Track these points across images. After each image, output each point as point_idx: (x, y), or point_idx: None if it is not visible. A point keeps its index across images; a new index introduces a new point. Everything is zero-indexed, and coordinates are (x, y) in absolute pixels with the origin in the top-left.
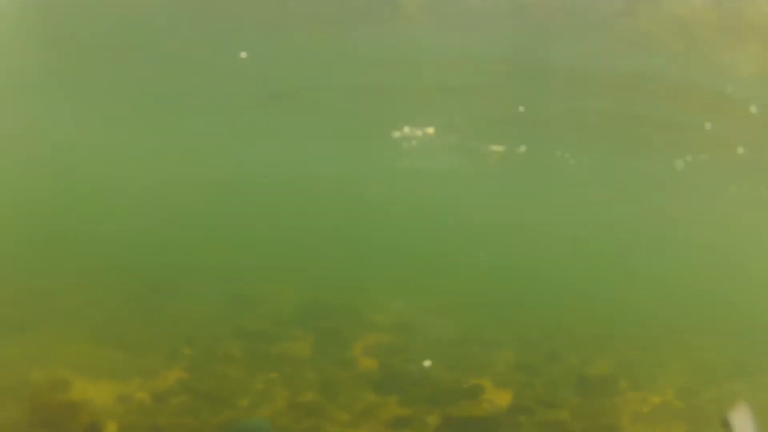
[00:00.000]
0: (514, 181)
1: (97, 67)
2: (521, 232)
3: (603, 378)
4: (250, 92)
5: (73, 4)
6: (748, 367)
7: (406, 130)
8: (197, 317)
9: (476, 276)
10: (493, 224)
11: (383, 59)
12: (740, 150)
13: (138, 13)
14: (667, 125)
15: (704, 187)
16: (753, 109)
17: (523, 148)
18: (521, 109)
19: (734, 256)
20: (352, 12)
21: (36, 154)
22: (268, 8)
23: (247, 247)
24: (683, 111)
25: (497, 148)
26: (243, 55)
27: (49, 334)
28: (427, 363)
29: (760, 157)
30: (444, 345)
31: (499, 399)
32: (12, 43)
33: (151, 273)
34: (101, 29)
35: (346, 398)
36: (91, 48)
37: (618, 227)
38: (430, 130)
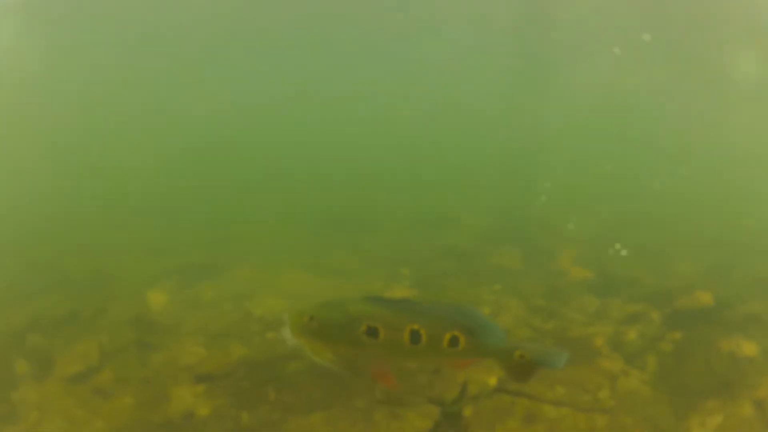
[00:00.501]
0: None
1: None
2: None
3: None
4: None
5: None
6: None
7: None
8: (406, 238)
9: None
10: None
11: None
12: None
13: None
14: None
15: None
16: None
17: None
18: None
19: None
20: None
21: None
22: None
23: (444, 167)
24: None
25: None
26: None
27: (263, 269)
28: (634, 270)
29: None
30: (646, 253)
31: (704, 297)
32: None
33: (349, 197)
34: None
35: (575, 302)
36: None
37: None
38: None
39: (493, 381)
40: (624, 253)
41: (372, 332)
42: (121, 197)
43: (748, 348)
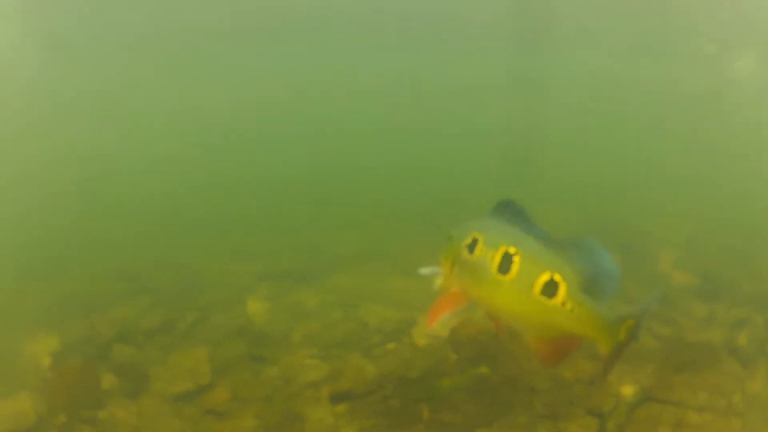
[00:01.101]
0: None
1: None
2: None
3: None
4: None
5: None
6: None
7: None
8: None
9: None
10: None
11: None
12: None
13: None
14: None
15: None
16: None
17: None
18: None
19: None
20: None
21: None
22: None
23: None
24: None
25: None
26: None
27: (362, 276)
28: (731, 273)
29: None
30: (737, 255)
31: None
32: None
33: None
34: None
35: (682, 305)
36: None
37: None
38: None
39: (628, 390)
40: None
41: (471, 246)
42: (202, 199)
43: None
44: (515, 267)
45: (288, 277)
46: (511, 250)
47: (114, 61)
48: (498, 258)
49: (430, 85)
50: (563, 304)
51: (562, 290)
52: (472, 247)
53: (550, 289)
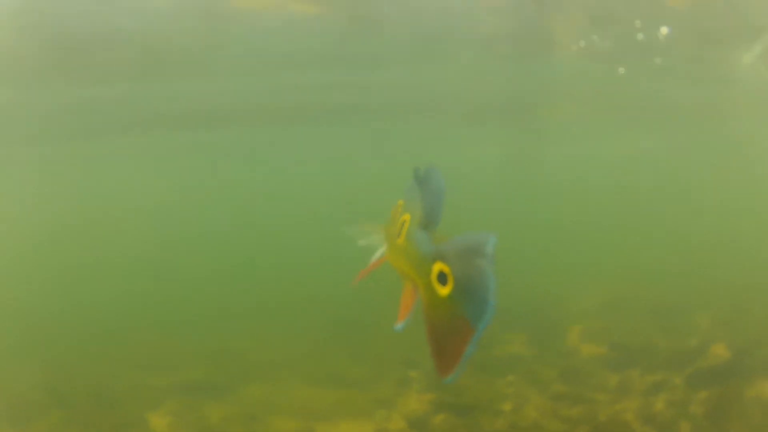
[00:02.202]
0: None
1: None
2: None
3: None
4: None
5: None
6: None
7: None
8: (409, 337)
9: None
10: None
11: None
12: None
13: None
14: None
15: None
16: None
17: None
18: None
19: None
20: None
21: None
22: None
23: None
24: None
25: None
26: None
27: (271, 385)
28: (646, 333)
29: None
30: (655, 312)
31: (720, 351)
32: None
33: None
34: None
35: (593, 380)
36: None
37: None
38: None
39: None
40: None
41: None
42: (117, 305)
43: None
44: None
45: (196, 389)
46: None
47: None
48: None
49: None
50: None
51: (404, 229)
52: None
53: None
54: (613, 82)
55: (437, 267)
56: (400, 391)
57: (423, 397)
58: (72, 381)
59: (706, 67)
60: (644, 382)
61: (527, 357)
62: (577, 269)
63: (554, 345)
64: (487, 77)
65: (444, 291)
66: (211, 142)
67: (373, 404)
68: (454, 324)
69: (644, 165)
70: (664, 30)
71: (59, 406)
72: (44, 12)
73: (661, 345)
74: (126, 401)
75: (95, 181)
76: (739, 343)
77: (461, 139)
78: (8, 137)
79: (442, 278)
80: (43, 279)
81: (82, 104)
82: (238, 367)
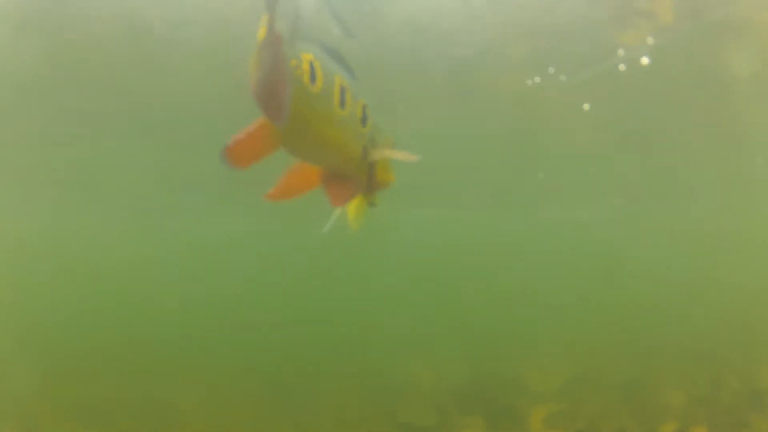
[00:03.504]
0: None
1: None
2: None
3: None
4: None
5: None
6: None
7: None
8: (353, 413)
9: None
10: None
11: None
12: None
13: None
14: None
15: None
16: None
17: None
18: None
19: None
20: None
21: None
22: None
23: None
24: None
25: None
26: None
27: None
28: (618, 417)
29: None
30: (624, 393)
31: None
32: None
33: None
34: None
35: None
36: None
37: None
38: None
39: None
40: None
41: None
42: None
43: None
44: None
45: None
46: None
47: None
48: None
49: None
50: None
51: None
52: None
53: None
54: None
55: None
56: None
57: None
58: None
59: None
60: None
61: None
62: (537, 345)
63: (513, 429)
64: None
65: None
66: None
67: None
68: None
69: (603, 232)
70: None
71: None
72: None
73: (634, 430)
74: None
75: None
76: (721, 425)
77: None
78: None
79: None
80: None
81: None
82: (173, 427)
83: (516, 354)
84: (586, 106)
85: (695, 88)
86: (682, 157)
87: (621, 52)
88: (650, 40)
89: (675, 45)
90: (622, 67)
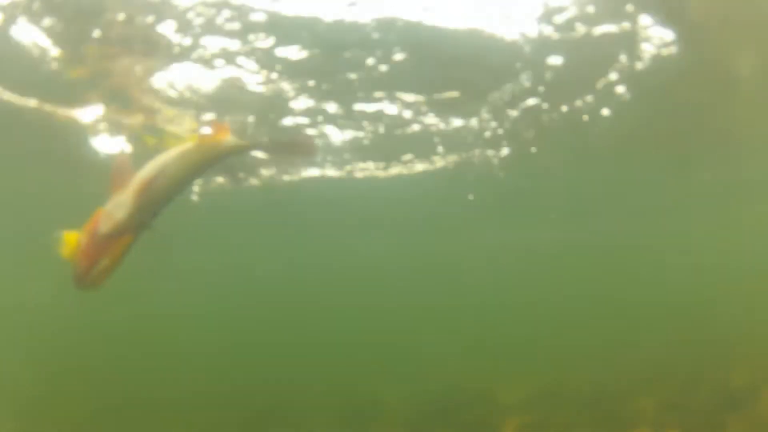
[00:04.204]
0: None
1: None
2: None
3: None
4: None
5: None
6: None
7: None
8: None
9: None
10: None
11: None
12: None
13: None
14: None
15: None
16: None
17: None
18: None
19: None
20: None
21: None
22: None
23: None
24: None
25: None
26: None
27: None
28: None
29: None
30: (595, 402)
31: None
32: None
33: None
34: None
35: None
36: None
37: None
38: None
39: None
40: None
41: None
42: None
43: None
44: None
45: None
46: None
47: None
48: None
49: None
50: None
51: None
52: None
53: None
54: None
55: None
56: None
57: None
58: None
59: None
60: None
61: None
62: (506, 357)
63: None
64: None
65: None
66: None
67: None
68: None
69: (565, 249)
70: None
71: None
72: None
73: None
74: None
75: None
76: (691, 421)
77: None
78: None
79: None
80: None
81: None
82: None
83: (484, 366)
84: None
85: None
86: None
87: None
88: None
89: None
90: None
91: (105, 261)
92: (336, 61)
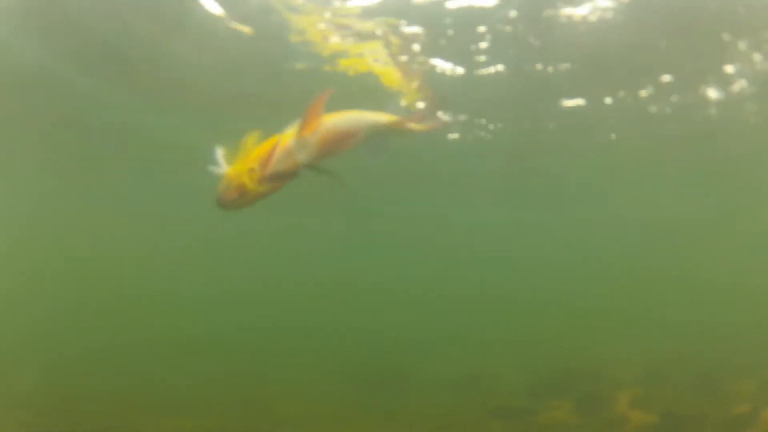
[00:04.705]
0: None
1: None
2: None
3: None
4: None
5: None
6: None
7: None
8: (444, 399)
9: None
10: None
11: None
12: None
13: None
14: None
15: None
16: None
17: None
18: None
19: None
20: None
21: None
22: None
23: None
24: None
25: None
26: None
27: None
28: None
29: None
30: (700, 381)
31: None
32: None
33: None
34: None
35: None
36: None
37: None
38: None
39: None
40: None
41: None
42: (143, 349)
43: None
44: None
45: None
46: None
47: None
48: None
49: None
50: None
51: None
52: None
53: None
54: None
55: None
56: None
57: None
58: (98, 420)
59: None
60: None
61: (574, 424)
62: (619, 337)
63: (602, 412)
64: None
65: None
66: None
67: None
68: None
69: (681, 228)
70: None
71: None
72: None
73: (711, 412)
74: None
75: None
76: None
77: None
78: None
79: None
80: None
81: None
82: (268, 418)
83: (599, 344)
84: None
85: None
86: None
87: None
88: None
89: None
90: None
91: (257, 193)
92: None
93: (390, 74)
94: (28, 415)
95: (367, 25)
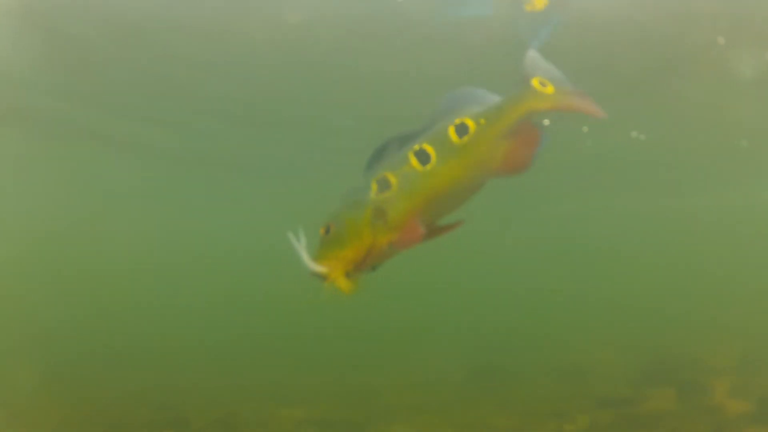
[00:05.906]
0: None
1: None
2: None
3: None
4: None
5: None
6: None
7: None
8: (551, 389)
9: None
10: None
11: None
12: None
13: None
14: None
15: None
16: None
17: None
18: None
19: None
20: None
21: None
22: None
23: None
24: None
25: None
26: None
27: (410, 427)
28: None
29: None
30: None
31: None
32: None
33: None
34: None
35: None
36: None
37: None
38: None
39: None
40: None
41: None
42: (239, 322)
43: None
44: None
45: (332, 425)
46: (418, 146)
47: None
48: (413, 156)
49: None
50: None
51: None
52: (383, 184)
53: (461, 129)
54: None
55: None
56: None
57: None
58: (204, 410)
59: None
60: None
61: (676, 412)
62: (713, 325)
63: (701, 400)
64: None
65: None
66: None
67: None
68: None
69: None
70: None
71: (174, 426)
72: None
73: None
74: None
75: None
76: None
77: None
78: None
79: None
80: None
81: None
82: (377, 407)
83: (694, 333)
84: None
85: None
86: None
87: None
88: None
89: None
90: None
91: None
92: None
93: None
94: (147, 413)
95: None
